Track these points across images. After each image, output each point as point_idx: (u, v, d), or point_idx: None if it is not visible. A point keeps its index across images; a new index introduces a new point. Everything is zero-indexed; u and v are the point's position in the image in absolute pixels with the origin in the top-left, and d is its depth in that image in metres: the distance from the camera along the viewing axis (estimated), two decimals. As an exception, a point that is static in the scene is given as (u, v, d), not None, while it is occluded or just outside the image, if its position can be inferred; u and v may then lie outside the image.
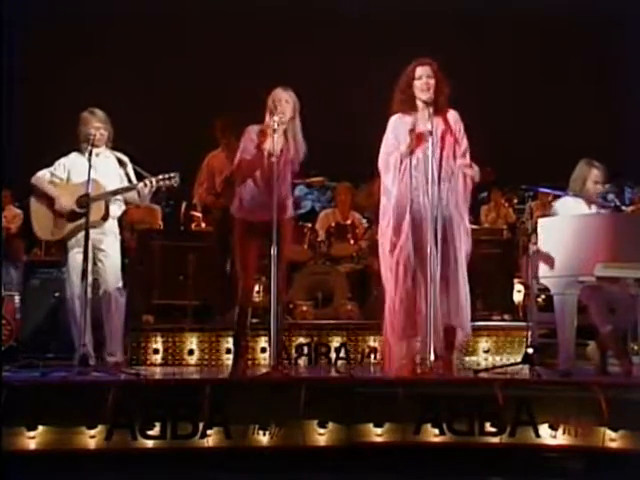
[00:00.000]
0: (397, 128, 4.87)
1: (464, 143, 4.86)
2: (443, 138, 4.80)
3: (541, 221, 5.12)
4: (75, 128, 5.23)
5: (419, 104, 4.84)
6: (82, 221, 4.98)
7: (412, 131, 4.77)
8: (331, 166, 7.29)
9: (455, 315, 4.74)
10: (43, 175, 5.25)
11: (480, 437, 4.29)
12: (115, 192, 5.14)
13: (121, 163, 5.29)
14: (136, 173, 5.28)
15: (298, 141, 4.99)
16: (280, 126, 4.88)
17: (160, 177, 5.15)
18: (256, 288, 5.72)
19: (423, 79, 4.79)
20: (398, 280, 4.80)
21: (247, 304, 5.08)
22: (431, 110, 4.77)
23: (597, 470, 4.24)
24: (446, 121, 4.84)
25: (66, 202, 5.12)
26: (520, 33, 9.62)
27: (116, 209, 5.24)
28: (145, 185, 5.13)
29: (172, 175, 5.17)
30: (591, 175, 5.18)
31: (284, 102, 4.94)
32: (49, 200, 5.17)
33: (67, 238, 5.14)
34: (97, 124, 5.18)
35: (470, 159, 4.85)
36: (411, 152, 4.78)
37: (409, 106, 4.85)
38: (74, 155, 5.29)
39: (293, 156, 4.98)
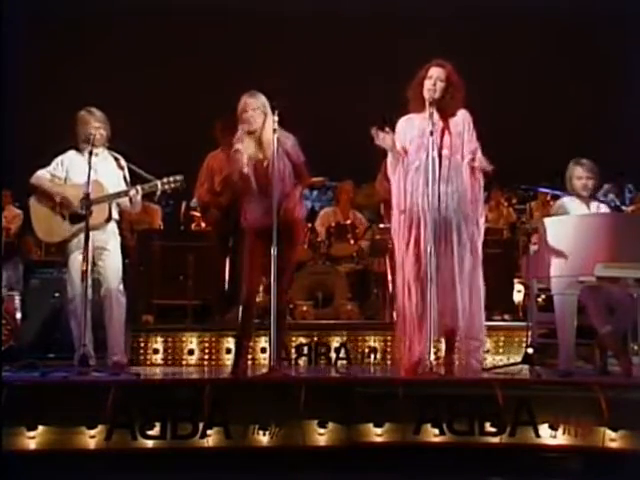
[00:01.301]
0: (400, 129, 4.88)
1: (473, 142, 4.83)
2: (442, 139, 4.79)
3: (545, 221, 5.14)
4: (73, 127, 5.17)
5: (426, 104, 4.83)
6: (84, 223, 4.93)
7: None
8: (331, 166, 7.29)
9: (451, 317, 4.72)
10: (43, 175, 5.18)
11: (480, 437, 4.29)
12: (110, 196, 5.09)
13: (119, 165, 5.25)
14: (139, 176, 5.22)
15: (284, 142, 4.87)
16: (250, 135, 4.87)
17: (165, 180, 5.11)
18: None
19: (433, 79, 4.79)
20: (398, 280, 4.84)
21: (251, 304, 5.06)
22: (433, 110, 4.77)
23: (597, 470, 4.24)
24: (449, 122, 4.82)
25: (69, 204, 5.08)
26: (520, 32, 9.61)
27: (116, 211, 5.21)
28: (137, 192, 5.07)
29: (178, 179, 5.14)
30: (575, 172, 5.25)
31: (248, 111, 4.85)
32: (50, 201, 5.12)
33: (69, 240, 5.10)
34: (96, 124, 5.12)
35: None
36: (405, 152, 4.81)
37: (417, 104, 4.85)
38: (72, 153, 5.22)
39: (283, 158, 4.86)
